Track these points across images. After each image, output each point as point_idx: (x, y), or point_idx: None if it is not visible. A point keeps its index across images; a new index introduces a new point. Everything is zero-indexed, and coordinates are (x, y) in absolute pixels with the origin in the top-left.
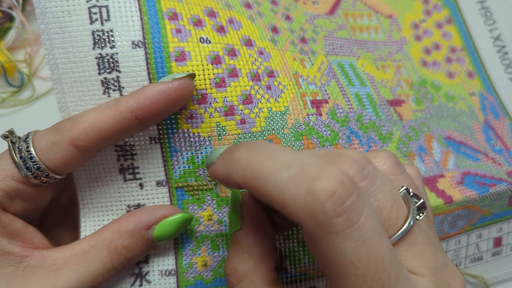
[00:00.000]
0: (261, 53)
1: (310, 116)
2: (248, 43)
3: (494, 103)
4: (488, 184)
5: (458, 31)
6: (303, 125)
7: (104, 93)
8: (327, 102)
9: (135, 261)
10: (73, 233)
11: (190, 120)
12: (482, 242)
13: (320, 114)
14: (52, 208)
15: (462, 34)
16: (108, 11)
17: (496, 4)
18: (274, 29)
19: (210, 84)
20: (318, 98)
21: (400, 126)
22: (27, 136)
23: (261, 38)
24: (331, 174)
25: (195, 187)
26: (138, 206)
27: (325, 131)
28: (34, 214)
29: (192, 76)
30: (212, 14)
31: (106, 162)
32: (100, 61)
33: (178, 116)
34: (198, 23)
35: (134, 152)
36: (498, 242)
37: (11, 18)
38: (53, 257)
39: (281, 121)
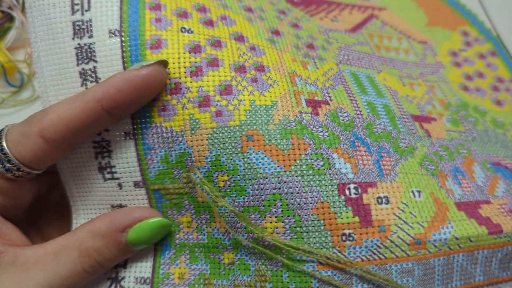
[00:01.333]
0: (253, 48)
1: (304, 114)
2: (240, 38)
3: None
4: None
5: (504, 63)
6: (293, 122)
7: (82, 85)
8: (328, 104)
9: (109, 265)
10: (65, 233)
11: (163, 112)
12: None
13: (317, 114)
14: (43, 208)
15: (510, 67)
16: (89, 1)
17: None
18: (276, 32)
19: (185, 72)
20: (316, 98)
21: (427, 143)
22: (3, 129)
23: (256, 36)
24: None
25: (171, 190)
26: (121, 206)
27: (321, 132)
28: (16, 211)
29: (163, 63)
30: (202, 9)
31: (85, 160)
32: (79, 51)
33: (152, 108)
34: (183, 15)
35: (110, 149)
36: None
37: (11, 18)
38: (26, 256)
39: (265, 116)
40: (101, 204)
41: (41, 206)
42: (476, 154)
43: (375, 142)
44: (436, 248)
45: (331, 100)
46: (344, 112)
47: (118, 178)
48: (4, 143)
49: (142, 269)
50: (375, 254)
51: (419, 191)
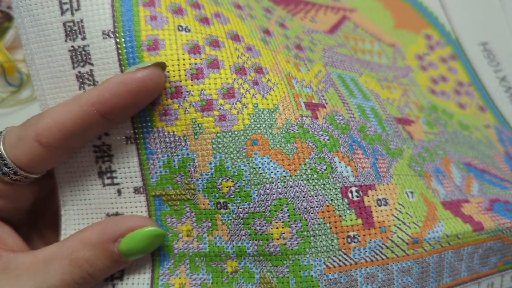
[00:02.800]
0: (249, 49)
1: (305, 118)
2: (235, 38)
3: None
4: None
5: (463, 67)
6: (296, 126)
7: (80, 89)
8: (324, 107)
9: (101, 277)
10: None
11: (164, 117)
12: None
13: (316, 118)
14: (45, 211)
15: (468, 71)
16: (78, 0)
17: (498, 47)
18: (267, 31)
19: (185, 75)
20: (313, 101)
21: (411, 145)
22: (2, 131)
23: (250, 36)
24: None
25: (173, 196)
26: (117, 215)
27: (322, 135)
28: (16, 215)
29: (160, 65)
30: (196, 5)
31: (85, 164)
32: (73, 54)
33: (153, 113)
34: (178, 11)
35: (111, 154)
36: None
37: (10, 18)
38: (17, 262)
39: (268, 120)
40: (95, 212)
41: (43, 209)
42: (450, 155)
43: (370, 144)
44: (430, 246)
45: (326, 103)
46: (340, 115)
47: (118, 184)
48: (1, 147)
49: (140, 280)
50: (377, 254)
51: (411, 192)
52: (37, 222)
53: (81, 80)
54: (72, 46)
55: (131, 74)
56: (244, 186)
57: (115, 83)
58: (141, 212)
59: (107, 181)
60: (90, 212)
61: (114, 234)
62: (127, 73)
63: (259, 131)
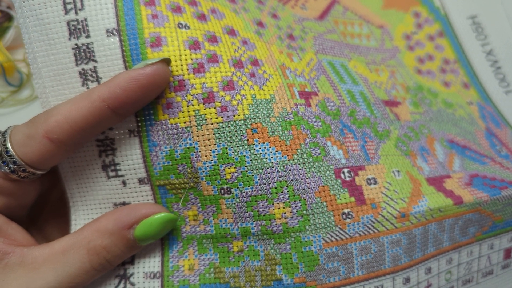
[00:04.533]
0: (244, 42)
1: (299, 106)
2: (231, 32)
3: (493, 113)
4: (499, 187)
5: (450, 44)
6: (291, 115)
7: (83, 85)
8: (316, 94)
9: (117, 262)
10: (65, 231)
11: (167, 109)
12: (493, 253)
13: (310, 106)
14: (43, 206)
15: (455, 47)
16: (82, 0)
17: (487, 20)
18: (260, 24)
19: (188, 69)
20: (306, 90)
21: (397, 126)
22: (6, 130)
23: (245, 29)
24: None
25: (177, 185)
26: (124, 204)
27: (315, 122)
28: (19, 211)
29: (166, 61)
30: (193, 3)
31: (89, 159)
32: (77, 51)
33: (156, 106)
34: (177, 9)
35: (114, 147)
36: (508, 253)
37: (10, 18)
38: (33, 255)
39: (266, 109)
40: (103, 203)
41: (41, 204)
42: (435, 133)
43: (359, 128)
44: (416, 219)
45: (318, 91)
46: (331, 102)
47: (122, 176)
48: (9, 145)
49: (151, 264)
50: (370, 229)
51: (398, 171)
52: (36, 217)
53: (84, 77)
54: (76, 44)
55: (140, 70)
56: (246, 171)
57: (125, 79)
58: (147, 200)
59: (111, 174)
60: (98, 202)
61: (130, 221)
62: (136, 69)
63: (258, 120)
